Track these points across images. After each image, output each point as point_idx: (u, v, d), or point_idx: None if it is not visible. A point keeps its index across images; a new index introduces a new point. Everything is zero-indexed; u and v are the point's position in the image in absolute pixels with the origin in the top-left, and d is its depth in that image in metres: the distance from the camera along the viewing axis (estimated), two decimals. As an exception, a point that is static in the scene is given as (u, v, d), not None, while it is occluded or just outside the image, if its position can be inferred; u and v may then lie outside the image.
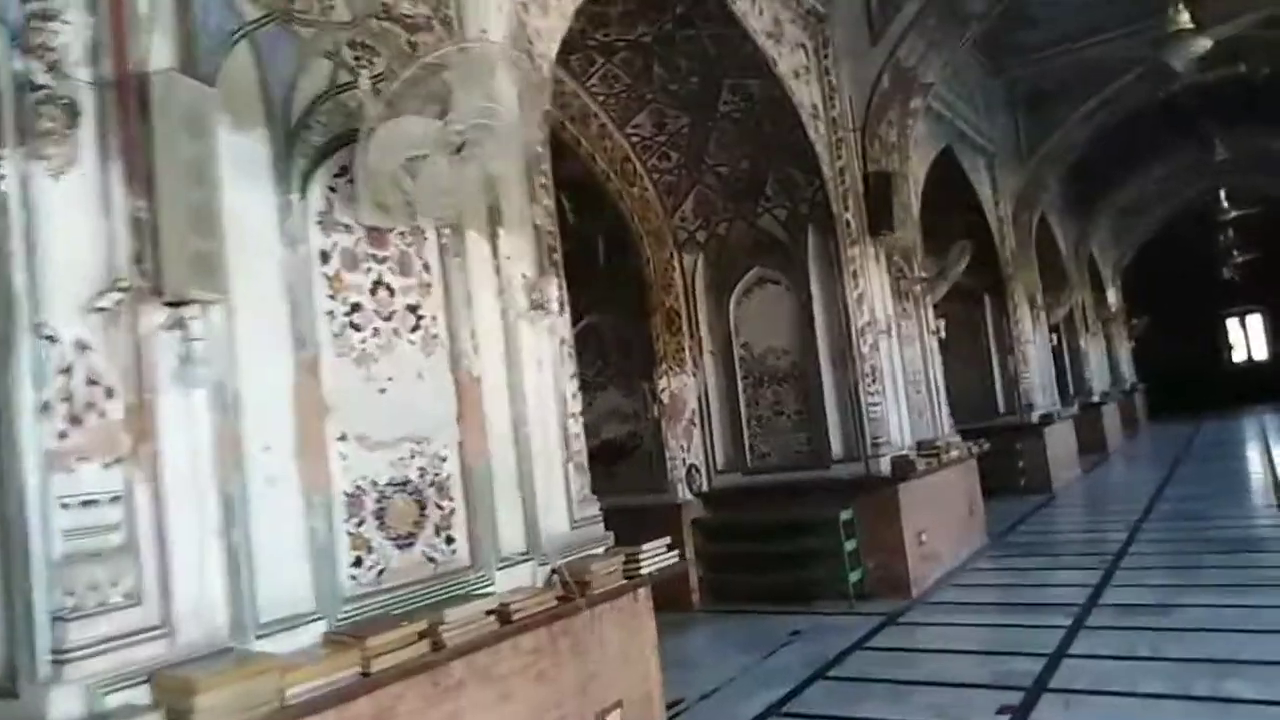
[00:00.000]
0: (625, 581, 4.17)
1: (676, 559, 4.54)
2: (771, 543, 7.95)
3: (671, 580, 8.17)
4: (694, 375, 8.61)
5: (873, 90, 8.37)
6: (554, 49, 4.83)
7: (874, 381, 7.91)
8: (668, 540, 4.53)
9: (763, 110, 7.79)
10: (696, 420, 8.58)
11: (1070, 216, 18.38)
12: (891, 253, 8.78)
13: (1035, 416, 13.08)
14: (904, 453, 7.89)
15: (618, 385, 8.63)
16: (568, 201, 8.32)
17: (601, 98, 7.79)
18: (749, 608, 7.77)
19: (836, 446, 7.96)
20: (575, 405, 4.44)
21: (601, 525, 4.46)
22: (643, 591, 4.42)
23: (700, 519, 8.33)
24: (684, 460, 8.38)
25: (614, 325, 8.65)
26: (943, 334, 9.55)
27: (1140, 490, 12.50)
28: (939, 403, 9.27)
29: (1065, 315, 16.19)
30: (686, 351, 8.60)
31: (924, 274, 9.01)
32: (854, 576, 7.56)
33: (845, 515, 7.60)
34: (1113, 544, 8.81)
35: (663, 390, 8.36)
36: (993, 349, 13.35)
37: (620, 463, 8.57)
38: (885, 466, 7.73)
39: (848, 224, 8.03)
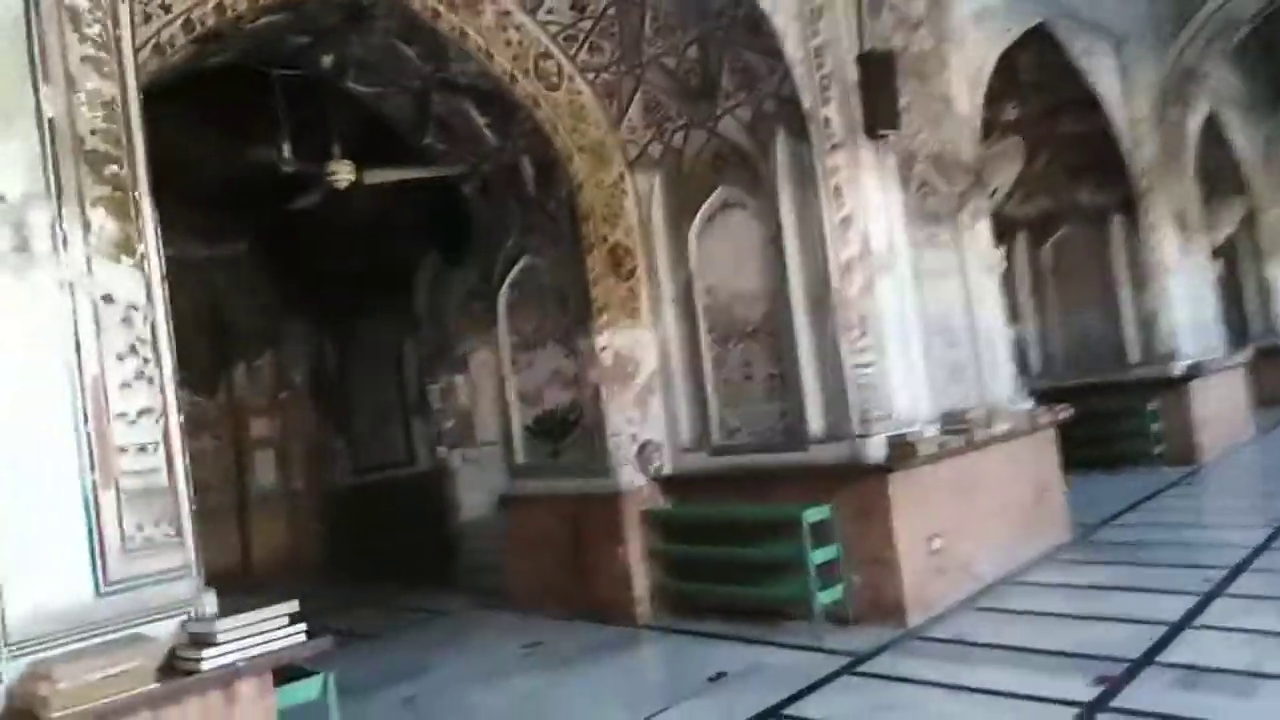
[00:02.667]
0: (154, 688, 2.59)
1: (299, 636, 2.90)
2: (732, 546, 6.15)
3: (614, 585, 6.66)
4: (653, 329, 6.82)
5: (872, -63, 6.15)
6: None
7: (863, 335, 5.84)
8: (291, 608, 2.90)
9: (697, -29, 5.82)
10: (656, 385, 6.80)
11: (1257, 112, 14.73)
12: (911, 161, 6.57)
13: (1180, 367, 10.28)
14: (905, 431, 5.80)
15: (559, 342, 6.97)
16: (480, 115, 6.69)
17: (494, -25, 6.04)
18: (705, 627, 6.05)
19: (815, 422, 5.99)
20: (130, 400, 2.86)
21: (186, 583, 2.88)
22: (218, 699, 2.80)
23: (654, 510, 6.60)
24: (634, 436, 6.65)
25: (551, 268, 6.96)
26: (1002, 265, 7.21)
27: (1320, 463, 9.62)
28: (993, 359, 7.00)
29: (1233, 236, 12.95)
30: (642, 299, 6.82)
31: (957, 188, 6.71)
32: (826, 596, 5.63)
33: (813, 515, 5.66)
34: (1237, 551, 6.36)
35: (603, 349, 6.62)
36: (1122, 283, 10.59)
37: (565, 438, 6.96)
38: (876, 449, 5.70)
39: (827, 122, 5.92)
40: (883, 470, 5.63)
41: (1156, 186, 10.64)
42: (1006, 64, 9.43)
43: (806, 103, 5.88)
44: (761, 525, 5.94)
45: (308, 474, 11.01)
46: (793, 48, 5.86)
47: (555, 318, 6.95)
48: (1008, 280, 11.29)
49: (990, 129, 9.74)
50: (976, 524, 6.29)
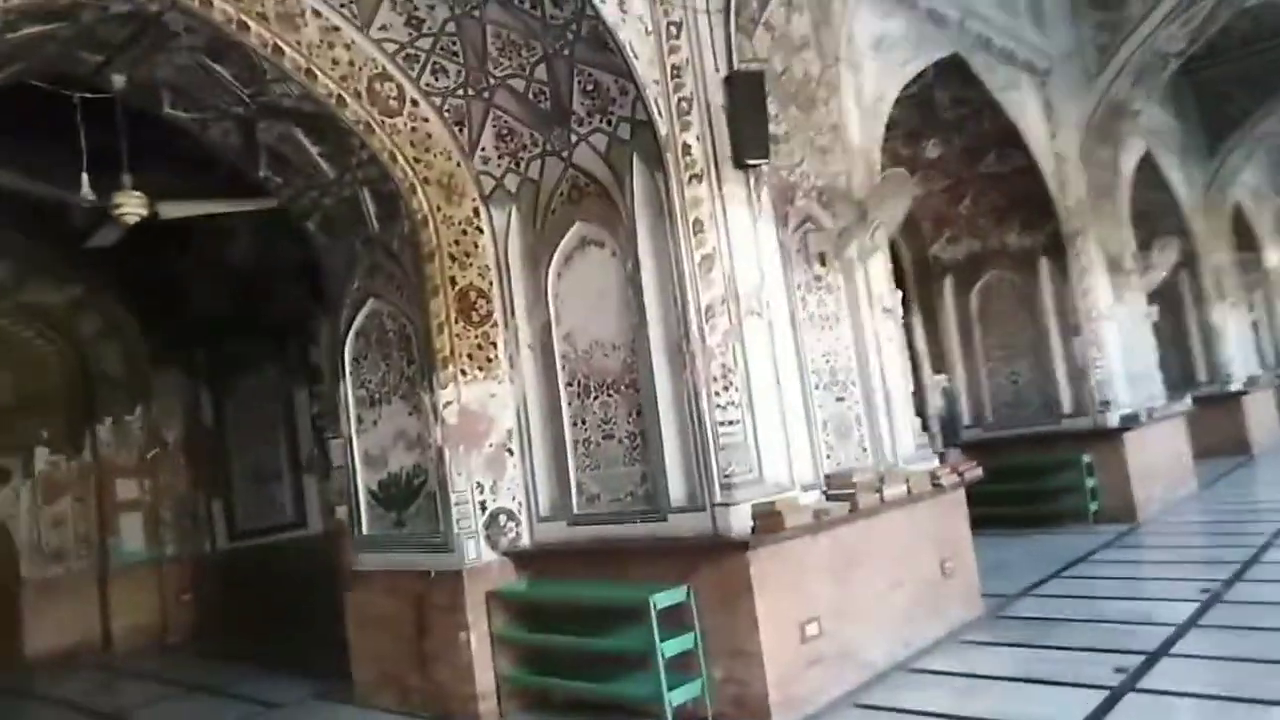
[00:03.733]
0: None
1: None
2: (580, 634, 5.36)
3: (457, 677, 5.80)
4: (510, 381, 6.08)
5: (740, -53, 5.56)
6: None
7: (728, 387, 5.13)
8: None
9: (533, -18, 5.19)
10: (514, 445, 6.04)
11: (1195, 155, 14.39)
12: (791, 194, 5.93)
13: (1114, 418, 9.65)
14: (774, 498, 5.05)
15: (405, 398, 6.19)
16: (312, 144, 6.00)
17: (313, -14, 5.37)
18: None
19: (676, 488, 5.23)
20: None
21: None
22: None
23: (500, 591, 5.78)
24: (484, 505, 5.86)
25: (395, 314, 6.22)
26: (897, 309, 6.55)
27: (1263, 520, 8.95)
28: (890, 413, 6.29)
29: (1175, 280, 12.49)
30: (499, 348, 6.09)
31: (841, 224, 6.04)
32: (680, 694, 4.84)
33: (665, 599, 4.89)
34: (1159, 631, 5.64)
35: (449, 404, 5.85)
36: (1053, 329, 9.99)
37: (408, 507, 6.15)
38: (740, 519, 4.95)
39: (686, 150, 5.26)
40: (744, 545, 4.88)
41: (1087, 228, 10.12)
42: (925, 99, 8.96)
43: (662, 128, 5.22)
44: (610, 610, 5.16)
45: (180, 539, 10.09)
46: (645, 67, 5.21)
47: (400, 370, 6.20)
48: (935, 327, 10.77)
49: (913, 169, 9.21)
50: (864, 604, 5.53)
